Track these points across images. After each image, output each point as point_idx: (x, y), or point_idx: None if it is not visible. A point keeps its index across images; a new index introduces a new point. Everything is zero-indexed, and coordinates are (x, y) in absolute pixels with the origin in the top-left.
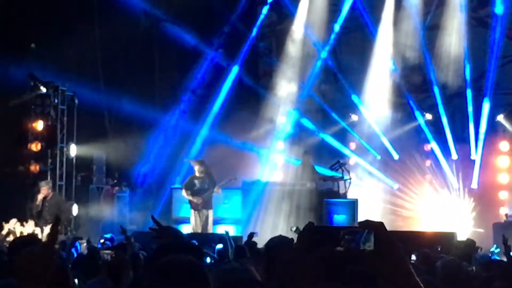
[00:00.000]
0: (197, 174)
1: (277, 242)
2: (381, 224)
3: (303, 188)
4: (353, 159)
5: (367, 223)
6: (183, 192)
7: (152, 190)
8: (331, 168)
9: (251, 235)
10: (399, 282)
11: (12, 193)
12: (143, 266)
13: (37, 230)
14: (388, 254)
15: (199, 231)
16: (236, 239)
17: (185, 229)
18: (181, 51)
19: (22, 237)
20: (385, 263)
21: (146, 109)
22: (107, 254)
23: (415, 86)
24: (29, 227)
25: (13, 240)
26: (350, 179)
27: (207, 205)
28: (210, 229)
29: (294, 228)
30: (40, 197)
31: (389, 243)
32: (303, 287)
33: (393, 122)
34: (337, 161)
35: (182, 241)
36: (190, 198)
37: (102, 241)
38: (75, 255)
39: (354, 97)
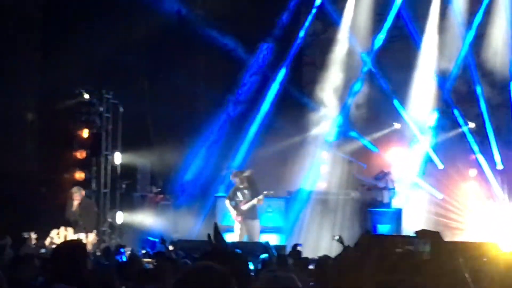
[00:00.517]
0: (239, 185)
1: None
2: (438, 234)
3: (347, 198)
4: (397, 168)
5: (424, 232)
6: (226, 203)
7: (196, 198)
8: (376, 178)
9: (295, 246)
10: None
11: (57, 200)
12: None
13: (82, 236)
14: (445, 262)
15: (244, 240)
16: (279, 248)
17: (229, 237)
18: (225, 58)
19: (66, 241)
20: (443, 270)
21: (190, 117)
22: (149, 262)
23: (459, 95)
24: (70, 234)
25: (58, 245)
26: (394, 188)
27: (250, 215)
28: (256, 239)
29: (336, 237)
30: (75, 203)
31: (446, 252)
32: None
33: (438, 131)
34: (381, 171)
35: (224, 250)
36: (231, 210)
37: (143, 252)
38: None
39: (397, 106)
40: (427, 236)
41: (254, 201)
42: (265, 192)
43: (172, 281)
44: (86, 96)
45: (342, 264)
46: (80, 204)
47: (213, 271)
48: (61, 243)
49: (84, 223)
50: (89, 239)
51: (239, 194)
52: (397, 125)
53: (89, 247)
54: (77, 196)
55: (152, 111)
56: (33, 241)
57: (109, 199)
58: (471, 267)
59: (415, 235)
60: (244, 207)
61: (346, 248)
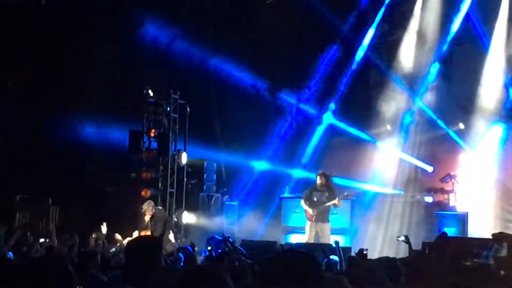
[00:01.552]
0: (318, 187)
1: None
2: None
3: (413, 200)
4: (463, 171)
5: (501, 235)
6: (302, 203)
7: (261, 199)
8: (441, 180)
9: (361, 251)
10: None
11: (123, 199)
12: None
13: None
14: None
15: (312, 242)
16: (345, 249)
17: (294, 238)
18: (291, 58)
19: (141, 236)
20: None
21: (255, 118)
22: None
23: None
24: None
25: (132, 239)
26: (460, 191)
27: (322, 218)
28: (327, 241)
29: (402, 238)
30: (147, 218)
31: None
32: None
33: (505, 134)
34: (448, 173)
35: (295, 250)
36: (306, 208)
37: (209, 248)
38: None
39: (463, 108)
40: (504, 238)
41: (335, 201)
42: (346, 193)
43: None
44: (151, 93)
45: (417, 265)
46: (151, 218)
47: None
48: (136, 238)
49: (158, 230)
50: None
51: (315, 194)
52: (461, 125)
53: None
54: (149, 212)
55: (219, 111)
56: (104, 231)
57: (175, 199)
58: None
59: (491, 237)
60: (321, 208)
61: (422, 249)
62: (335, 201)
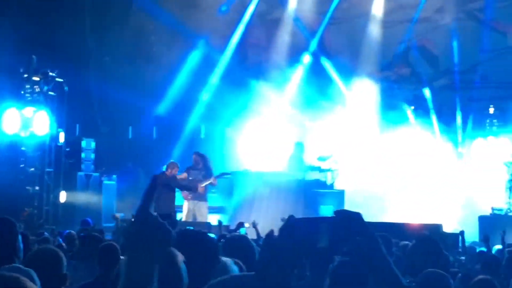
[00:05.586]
0: (194, 166)
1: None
2: (358, 214)
3: (291, 178)
4: (339, 151)
5: (344, 213)
6: None
7: (139, 178)
8: (319, 159)
9: (240, 224)
10: (376, 268)
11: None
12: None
13: None
14: (364, 243)
15: (190, 220)
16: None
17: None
18: (172, 39)
19: None
20: (362, 250)
21: (136, 98)
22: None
23: (403, 77)
24: None
25: None
26: (337, 170)
27: (199, 196)
28: (204, 220)
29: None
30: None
31: (365, 233)
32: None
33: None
34: (325, 153)
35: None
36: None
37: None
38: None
39: (342, 87)
40: (346, 216)
41: (210, 180)
42: (222, 172)
43: None
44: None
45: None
46: None
47: None
48: None
49: None
50: None
51: (191, 173)
52: (340, 108)
53: None
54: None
55: (98, 90)
56: None
57: (53, 178)
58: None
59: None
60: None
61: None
62: (211, 180)
